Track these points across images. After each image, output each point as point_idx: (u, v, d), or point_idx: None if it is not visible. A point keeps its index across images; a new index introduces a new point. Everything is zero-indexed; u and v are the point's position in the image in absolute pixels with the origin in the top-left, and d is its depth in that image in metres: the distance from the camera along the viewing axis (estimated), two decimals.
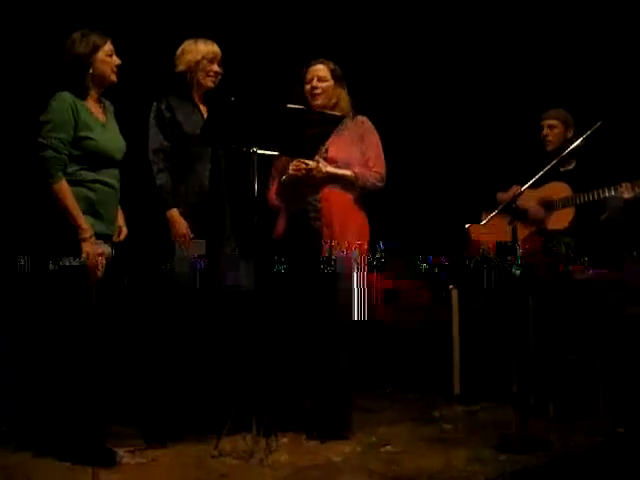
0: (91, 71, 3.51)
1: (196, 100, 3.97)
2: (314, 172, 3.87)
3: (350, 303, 3.90)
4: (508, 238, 3.77)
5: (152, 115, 3.91)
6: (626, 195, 4.26)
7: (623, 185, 4.26)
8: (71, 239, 3.39)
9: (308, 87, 3.96)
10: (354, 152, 3.96)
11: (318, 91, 3.94)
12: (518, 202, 3.81)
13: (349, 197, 3.95)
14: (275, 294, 3.86)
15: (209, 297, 3.85)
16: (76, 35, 3.52)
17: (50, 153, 3.40)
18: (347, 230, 3.89)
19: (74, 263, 3.37)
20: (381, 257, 4.57)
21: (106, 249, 3.51)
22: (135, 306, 4.09)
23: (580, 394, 4.17)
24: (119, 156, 3.59)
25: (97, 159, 3.49)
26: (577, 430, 3.81)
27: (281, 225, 4.01)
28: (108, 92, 3.64)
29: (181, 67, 3.95)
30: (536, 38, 5.27)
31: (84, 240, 3.40)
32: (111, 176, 3.54)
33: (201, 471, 3.30)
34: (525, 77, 5.30)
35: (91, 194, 3.47)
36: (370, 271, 3.99)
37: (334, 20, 5.23)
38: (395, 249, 4.77)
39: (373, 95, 4.68)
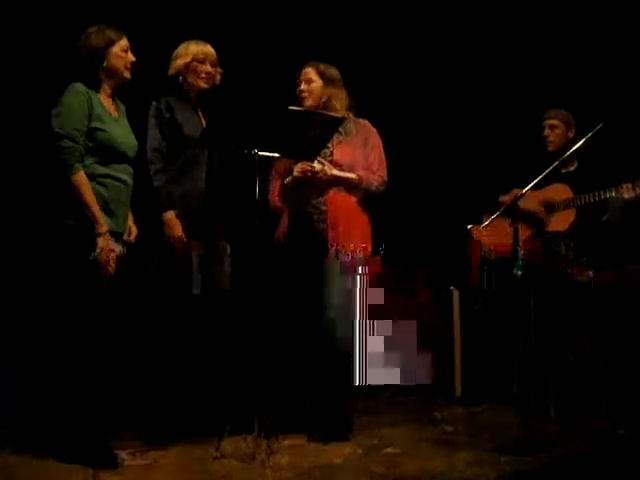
0: (105, 64, 3.45)
1: (194, 102, 3.96)
2: (320, 175, 3.88)
3: (352, 305, 3.90)
4: (509, 240, 3.77)
5: (151, 114, 3.90)
6: (627, 196, 4.26)
7: (624, 186, 4.26)
8: (85, 233, 3.32)
9: (297, 90, 3.99)
10: (358, 155, 3.97)
11: (305, 94, 3.96)
12: (520, 204, 3.81)
13: (353, 200, 3.96)
14: (275, 296, 3.86)
15: (208, 299, 3.84)
16: (92, 29, 3.48)
17: (67, 142, 3.31)
18: (351, 232, 3.90)
19: (89, 258, 3.30)
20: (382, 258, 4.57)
21: (117, 247, 3.44)
22: (137, 308, 4.08)
23: (581, 396, 4.16)
24: (131, 153, 3.53)
25: (108, 152, 3.42)
26: (578, 432, 3.81)
27: (283, 227, 4.00)
28: (115, 93, 3.60)
29: (171, 71, 3.95)
30: (537, 41, 5.28)
31: (99, 235, 3.33)
32: (123, 171, 3.47)
33: (202, 473, 3.29)
34: (526, 79, 5.30)
35: (102, 190, 3.39)
36: (372, 272, 4.00)
37: (336, 22, 5.25)
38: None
39: (375, 98, 4.69)
